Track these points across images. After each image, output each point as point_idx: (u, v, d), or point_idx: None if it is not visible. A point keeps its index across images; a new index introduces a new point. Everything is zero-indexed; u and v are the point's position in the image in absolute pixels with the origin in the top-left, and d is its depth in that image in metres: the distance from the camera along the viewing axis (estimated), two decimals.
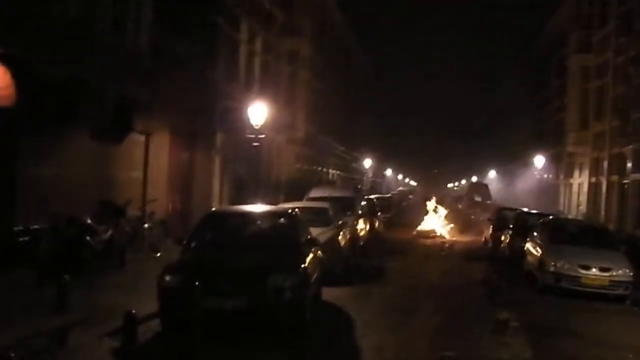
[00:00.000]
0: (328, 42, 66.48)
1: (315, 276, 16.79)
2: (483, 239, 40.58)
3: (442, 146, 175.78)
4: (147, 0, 27.72)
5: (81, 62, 21.61)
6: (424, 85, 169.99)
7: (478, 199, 78.44)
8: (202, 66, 32.69)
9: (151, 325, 14.65)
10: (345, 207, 30.65)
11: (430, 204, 50.97)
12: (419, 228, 45.73)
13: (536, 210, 40.41)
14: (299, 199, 32.83)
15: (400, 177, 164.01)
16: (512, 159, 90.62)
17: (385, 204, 53.70)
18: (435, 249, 36.70)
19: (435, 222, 47.93)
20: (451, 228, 47.95)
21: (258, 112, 32.34)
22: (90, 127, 23.10)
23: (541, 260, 24.16)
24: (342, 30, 76.19)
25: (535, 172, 70.58)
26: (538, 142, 71.01)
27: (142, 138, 27.48)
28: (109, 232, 21.92)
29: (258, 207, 21.50)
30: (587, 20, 53.45)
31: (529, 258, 26.28)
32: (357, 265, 26.78)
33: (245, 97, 36.96)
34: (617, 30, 45.09)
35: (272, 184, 45.03)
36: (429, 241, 40.69)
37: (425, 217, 48.98)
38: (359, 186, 72.39)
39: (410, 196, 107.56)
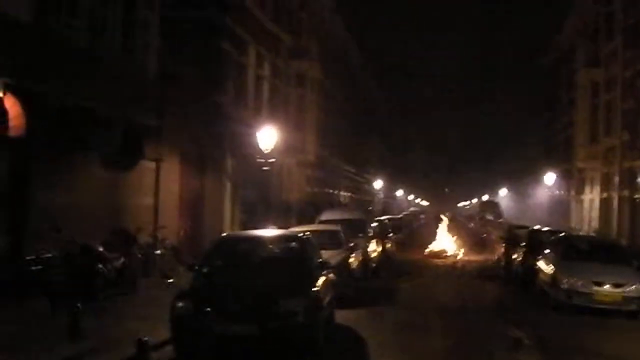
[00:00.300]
0: (336, 64, 66.60)
1: (327, 299, 16.79)
2: (495, 258, 40.50)
3: (453, 165, 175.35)
4: (154, 27, 27.88)
5: (90, 90, 21.76)
6: (434, 103, 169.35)
7: (490, 217, 78.31)
8: (210, 91, 32.83)
9: (165, 352, 14.67)
10: (357, 229, 30.69)
11: (442, 225, 50.75)
12: (431, 248, 45.62)
13: (548, 227, 40.31)
14: (311, 222, 32.86)
15: (411, 197, 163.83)
16: (523, 176, 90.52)
17: (396, 225, 53.65)
18: (447, 269, 36.63)
19: (447, 242, 47.83)
20: (463, 247, 47.86)
21: (267, 136, 32.36)
22: (100, 154, 23.22)
23: (553, 277, 24.05)
24: (351, 52, 76.32)
25: (546, 189, 70.47)
26: (548, 159, 70.97)
27: (153, 164, 27.57)
28: (121, 260, 21.99)
29: (269, 232, 21.58)
30: (594, 34, 53.41)
31: (542, 275, 26.17)
32: (369, 287, 26.74)
33: (254, 121, 37.03)
34: (624, 44, 45.06)
35: (283, 207, 45.00)
36: (440, 261, 40.60)
37: (437, 237, 48.88)
38: (370, 208, 72.42)
39: (422, 216, 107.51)
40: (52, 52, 20.45)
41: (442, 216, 51.68)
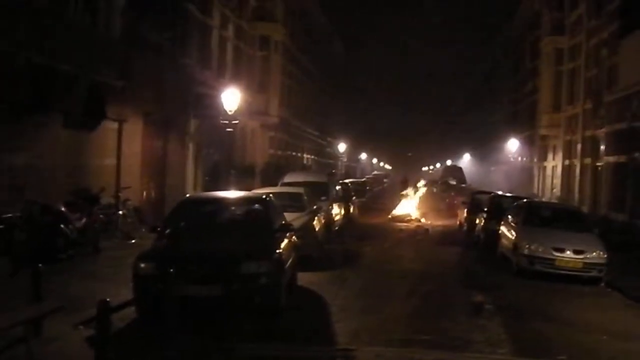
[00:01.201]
0: (301, 26, 66.50)
1: (290, 262, 16.81)
2: (458, 223, 40.71)
3: (417, 129, 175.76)
4: None
5: (52, 50, 21.51)
6: (398, 68, 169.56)
7: (453, 182, 78.57)
8: (174, 52, 32.65)
9: (126, 312, 14.61)
10: (320, 192, 30.67)
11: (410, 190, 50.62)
12: (394, 212, 45.65)
13: (510, 193, 40.58)
14: (274, 184, 32.84)
15: (375, 161, 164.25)
16: (486, 142, 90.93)
17: (360, 189, 53.78)
18: (410, 233, 36.72)
19: (410, 206, 47.94)
20: (426, 212, 48.01)
21: (231, 98, 32.26)
22: (63, 114, 23.01)
23: (515, 244, 24.25)
24: (315, 14, 76.02)
25: (510, 155, 70.84)
26: (512, 125, 71.29)
27: (116, 125, 27.35)
28: (83, 220, 21.87)
29: (232, 193, 21.53)
30: (559, 2, 53.51)
31: (504, 241, 26.39)
32: (332, 250, 26.77)
33: (218, 83, 36.96)
34: (587, 12, 45.23)
35: (246, 169, 44.94)
36: (403, 225, 40.67)
37: (401, 201, 48.93)
38: (334, 171, 72.49)
39: (385, 180, 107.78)
40: (11, 10, 20.14)
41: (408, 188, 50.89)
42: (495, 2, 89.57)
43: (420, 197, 49.87)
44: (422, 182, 52.76)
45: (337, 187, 37.01)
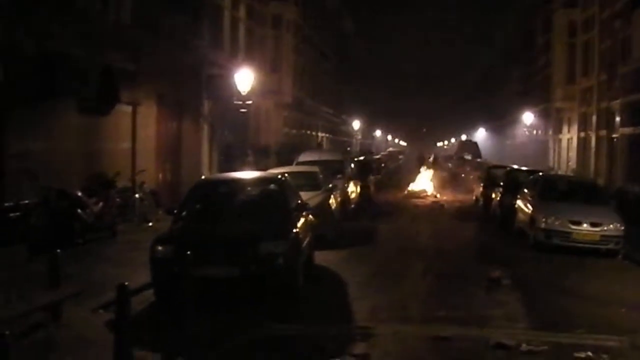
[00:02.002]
0: (313, 5, 66.30)
1: (307, 241, 16.86)
2: (474, 198, 40.64)
3: (431, 105, 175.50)
4: None
5: (64, 35, 21.53)
6: (411, 45, 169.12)
7: (468, 157, 78.30)
8: (186, 34, 32.62)
9: (145, 295, 14.72)
10: (335, 170, 30.66)
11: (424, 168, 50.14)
12: (410, 188, 45.55)
13: (526, 167, 40.45)
14: (289, 163, 32.86)
15: (389, 137, 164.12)
16: (501, 115, 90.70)
17: (375, 166, 53.71)
18: (426, 209, 36.73)
19: (426, 182, 47.85)
20: (442, 187, 47.94)
21: (244, 79, 32.30)
22: (76, 99, 23.05)
23: (532, 217, 24.22)
24: None
25: (525, 129, 70.67)
26: (526, 99, 71.01)
27: (129, 109, 27.39)
28: (100, 204, 21.95)
29: (247, 174, 21.55)
30: None
31: (520, 215, 26.34)
32: (348, 228, 26.78)
33: (231, 64, 36.90)
34: None
35: (261, 149, 44.98)
36: (419, 201, 40.65)
37: (416, 177, 48.81)
38: (349, 149, 72.44)
39: (401, 156, 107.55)
40: None
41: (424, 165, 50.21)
42: None
43: (434, 173, 49.44)
44: (430, 159, 52.07)
45: (352, 165, 37.00)
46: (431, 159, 55.00)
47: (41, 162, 20.80)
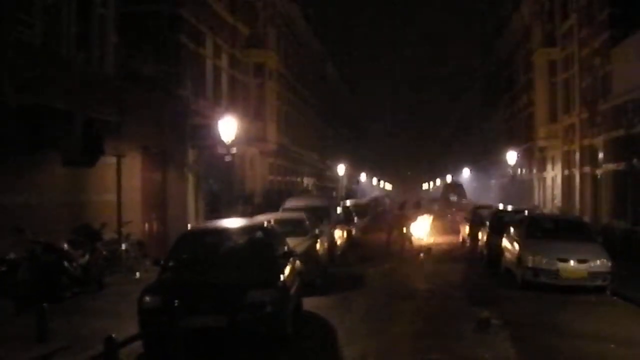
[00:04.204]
0: (294, 53, 66.66)
1: (294, 288, 16.85)
2: (460, 239, 40.67)
3: (415, 148, 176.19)
4: (110, 22, 27.64)
5: (47, 88, 21.57)
6: (394, 88, 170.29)
7: (454, 198, 78.44)
8: (169, 84, 32.71)
9: (133, 347, 14.63)
10: (321, 215, 30.71)
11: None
12: (394, 233, 45.38)
13: (511, 206, 40.54)
14: (275, 210, 32.85)
15: (375, 181, 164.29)
16: (485, 156, 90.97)
17: (361, 210, 53.74)
18: (413, 253, 36.70)
19: (413, 225, 47.67)
20: (428, 230, 47.87)
21: (228, 127, 32.33)
22: (61, 152, 23.03)
23: (519, 256, 24.25)
24: (309, 40, 76.13)
25: (509, 168, 70.90)
26: (509, 138, 71.29)
27: (114, 160, 27.37)
28: (86, 257, 21.84)
29: (233, 222, 21.49)
30: (550, 14, 53.70)
31: (507, 255, 26.38)
32: (336, 273, 26.77)
33: (214, 112, 36.99)
34: (578, 22, 45.33)
35: (247, 196, 44.96)
36: (406, 244, 40.58)
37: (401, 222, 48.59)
38: (334, 194, 72.43)
39: (387, 200, 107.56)
40: (6, 50, 20.23)
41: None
42: (487, 17, 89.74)
43: (421, 217, 49.33)
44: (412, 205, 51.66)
45: (339, 210, 37.02)
46: (413, 204, 54.79)
47: (26, 215, 20.74)
